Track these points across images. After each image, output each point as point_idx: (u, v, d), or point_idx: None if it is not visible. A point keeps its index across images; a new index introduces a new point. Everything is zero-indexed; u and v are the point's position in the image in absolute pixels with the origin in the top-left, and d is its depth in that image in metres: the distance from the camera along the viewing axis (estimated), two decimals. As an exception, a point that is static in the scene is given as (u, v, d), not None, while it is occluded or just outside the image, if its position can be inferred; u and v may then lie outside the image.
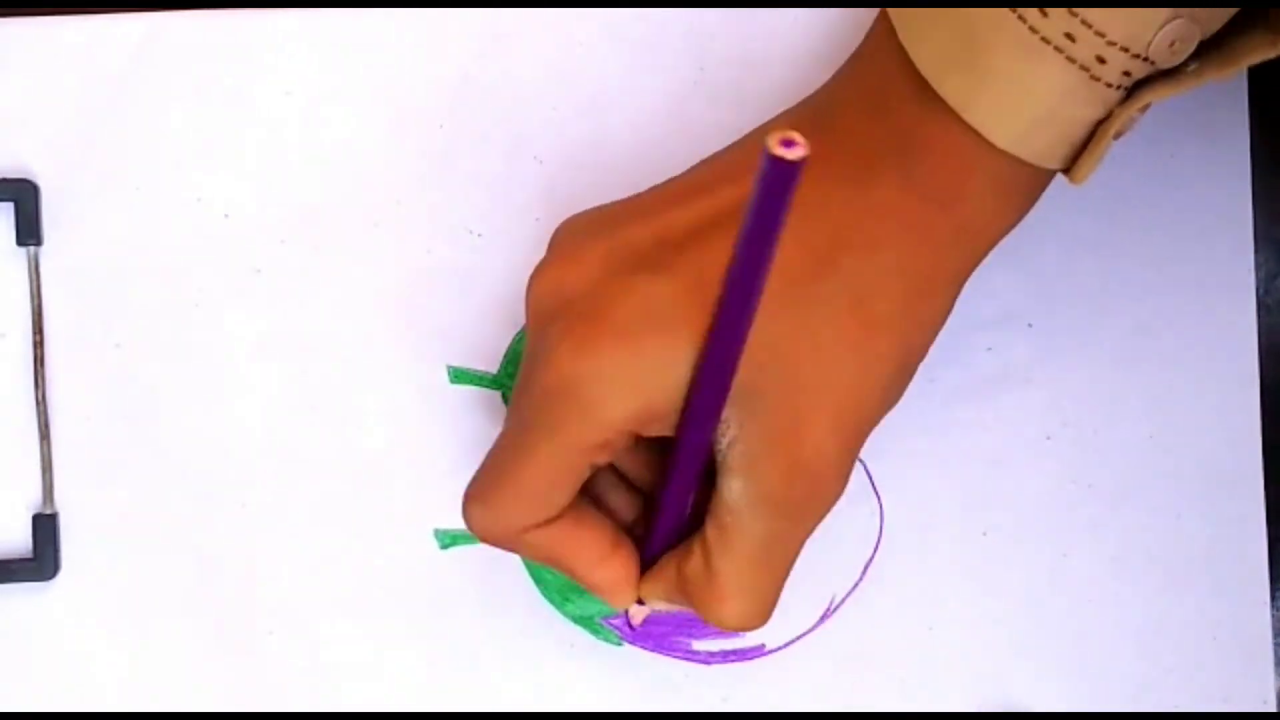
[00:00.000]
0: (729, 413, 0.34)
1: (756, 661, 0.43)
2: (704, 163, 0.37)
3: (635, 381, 0.33)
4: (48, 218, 0.42)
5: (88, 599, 0.42)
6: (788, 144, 0.25)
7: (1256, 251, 0.44)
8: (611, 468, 0.39)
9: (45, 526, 0.42)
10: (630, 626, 0.43)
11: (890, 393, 0.36)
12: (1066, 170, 0.35)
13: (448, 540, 0.43)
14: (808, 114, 0.37)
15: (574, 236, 0.36)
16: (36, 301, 0.42)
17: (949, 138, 0.34)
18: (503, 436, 0.36)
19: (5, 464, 0.42)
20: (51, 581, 0.42)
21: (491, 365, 0.43)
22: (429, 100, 0.43)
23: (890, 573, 0.44)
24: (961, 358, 0.44)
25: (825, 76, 0.38)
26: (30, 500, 0.42)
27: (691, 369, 0.33)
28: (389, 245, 0.43)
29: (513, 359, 0.43)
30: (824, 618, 0.44)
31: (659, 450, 0.38)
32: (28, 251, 0.42)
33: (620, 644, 0.43)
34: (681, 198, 0.36)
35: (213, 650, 0.43)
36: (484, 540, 0.37)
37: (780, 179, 0.26)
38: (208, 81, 0.43)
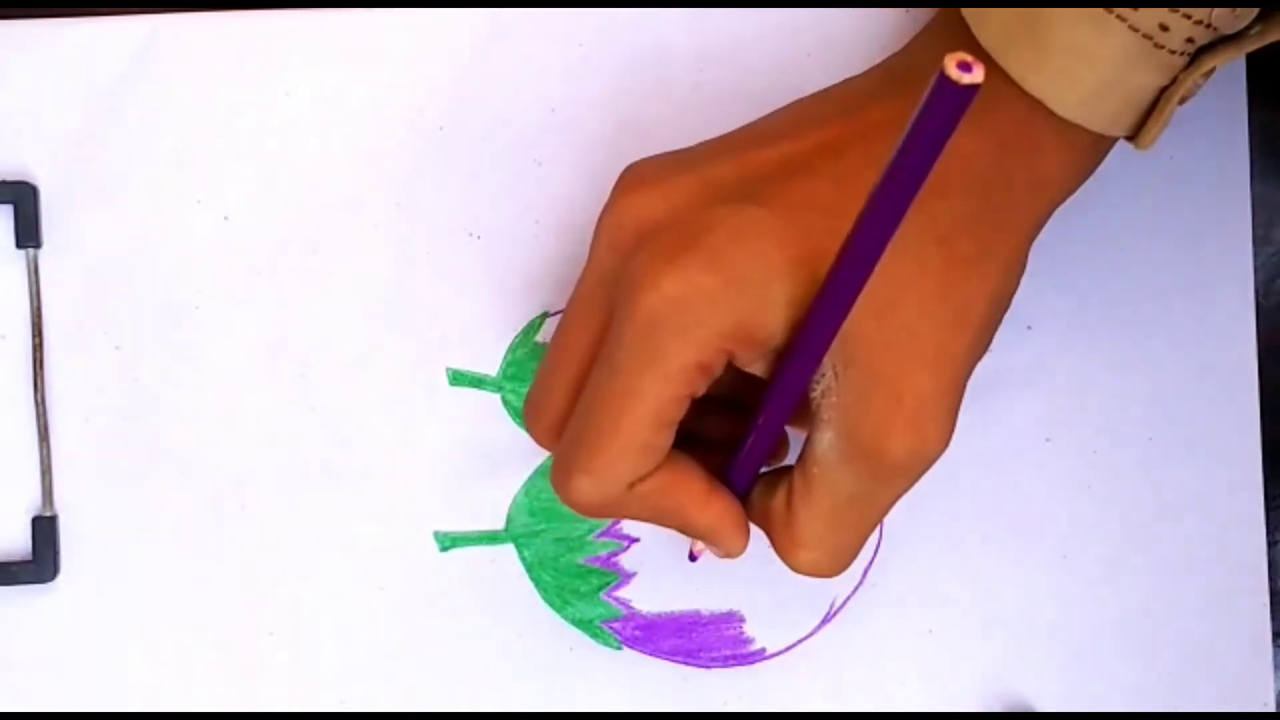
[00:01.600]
0: (825, 359, 0.33)
1: (757, 664, 0.43)
2: (782, 110, 0.37)
3: (731, 299, 0.33)
4: (47, 220, 0.42)
5: (87, 601, 0.42)
6: (965, 67, 0.24)
7: (1255, 253, 0.44)
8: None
9: (45, 529, 0.42)
10: (692, 558, 0.42)
11: (982, 338, 0.35)
12: (1132, 136, 0.35)
13: (448, 542, 0.43)
14: (879, 74, 0.37)
15: (654, 170, 0.35)
16: (36, 303, 0.42)
17: (1016, 102, 0.34)
18: (586, 399, 0.35)
19: (5, 466, 0.42)
20: (51, 584, 0.42)
21: (491, 367, 0.43)
22: (429, 101, 0.43)
23: (891, 575, 0.44)
24: (961, 359, 0.44)
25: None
26: (30, 502, 0.42)
27: (788, 297, 0.33)
28: (388, 247, 0.43)
29: (513, 361, 0.43)
30: (825, 621, 0.44)
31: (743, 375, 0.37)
32: (27, 254, 0.42)
33: (619, 647, 0.43)
34: (765, 140, 0.35)
35: (213, 651, 0.43)
36: (590, 513, 0.36)
37: (952, 103, 0.25)
38: (207, 83, 0.43)
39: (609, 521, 0.43)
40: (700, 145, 0.36)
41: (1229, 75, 0.44)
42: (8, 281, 0.43)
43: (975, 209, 0.34)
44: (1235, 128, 0.44)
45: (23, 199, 0.42)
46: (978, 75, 0.24)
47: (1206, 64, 0.33)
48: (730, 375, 0.35)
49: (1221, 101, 0.44)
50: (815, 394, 0.34)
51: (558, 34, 0.43)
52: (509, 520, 0.43)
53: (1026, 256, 0.36)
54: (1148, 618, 0.44)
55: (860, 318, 0.32)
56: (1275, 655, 0.44)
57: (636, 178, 0.35)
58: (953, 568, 0.44)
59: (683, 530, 0.37)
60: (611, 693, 0.43)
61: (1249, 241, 0.44)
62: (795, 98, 0.39)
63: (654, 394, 0.33)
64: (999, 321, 0.36)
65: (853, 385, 0.33)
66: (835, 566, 0.36)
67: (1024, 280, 0.44)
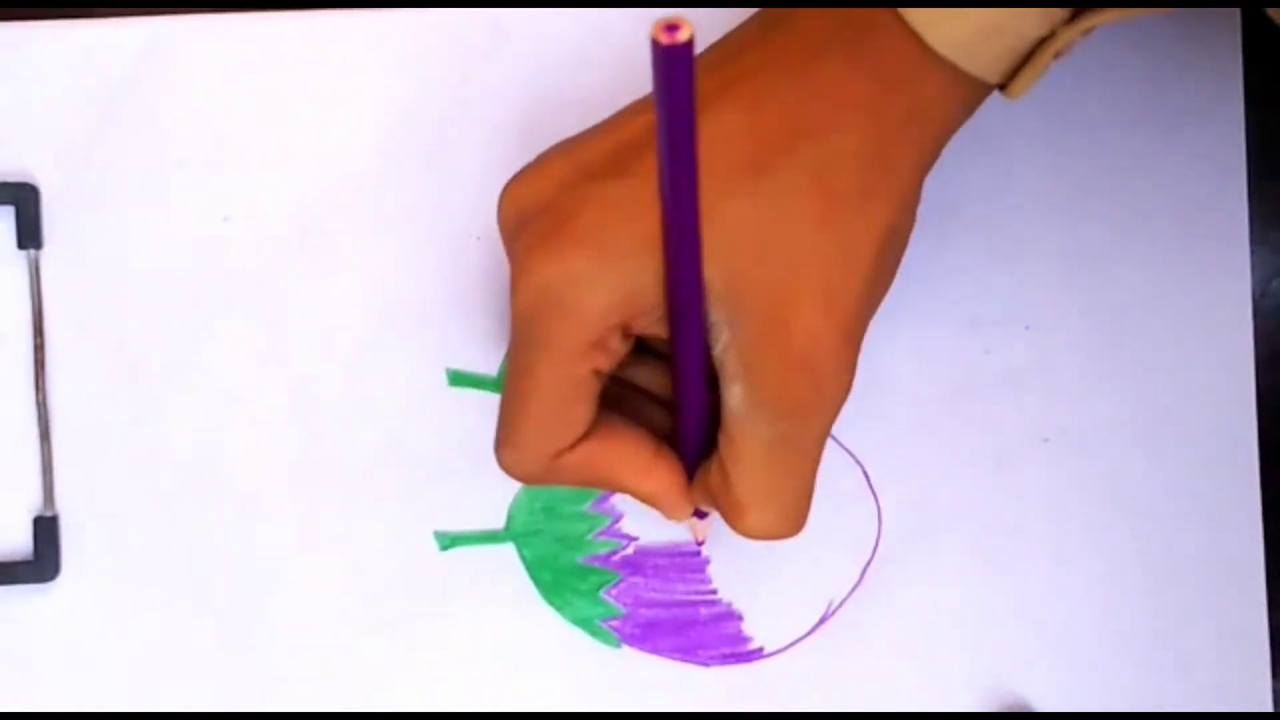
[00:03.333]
0: (716, 315, 0.34)
1: (755, 663, 0.43)
2: None
3: (608, 277, 0.33)
4: (48, 221, 0.42)
5: (88, 601, 0.42)
6: (671, 29, 0.26)
7: (1252, 254, 0.44)
8: (629, 387, 0.38)
9: (46, 528, 0.42)
10: (698, 542, 0.43)
11: (875, 275, 0.34)
12: (1003, 86, 0.35)
13: (447, 542, 0.43)
14: (754, 21, 0.37)
15: (535, 159, 0.36)
16: (37, 305, 0.42)
17: (895, 34, 0.34)
18: (506, 375, 0.36)
19: (6, 466, 0.42)
20: (52, 583, 0.42)
21: (491, 368, 0.43)
22: (429, 101, 0.43)
23: (888, 575, 0.44)
24: (959, 360, 0.44)
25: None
26: (31, 502, 0.43)
27: (660, 263, 0.33)
28: (389, 248, 0.43)
29: (512, 361, 0.43)
30: (822, 621, 0.44)
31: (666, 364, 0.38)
32: (28, 255, 0.42)
33: (619, 646, 0.43)
34: (636, 110, 0.36)
35: (213, 651, 0.43)
36: (525, 481, 0.37)
37: (672, 63, 0.27)
38: (208, 85, 0.43)
39: (609, 520, 0.43)
40: (588, 129, 0.37)
41: (1227, 75, 0.44)
42: (9, 282, 0.43)
43: (854, 145, 0.33)
44: (1233, 128, 0.44)
45: (24, 200, 0.42)
46: (684, 33, 0.26)
47: (1088, 21, 0.33)
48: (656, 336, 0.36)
49: (1219, 101, 0.44)
50: (718, 352, 0.34)
51: (558, 34, 0.43)
52: (509, 519, 0.43)
53: (918, 194, 0.35)
54: (1147, 618, 0.44)
55: (743, 265, 0.33)
56: (1273, 656, 0.44)
57: (522, 169, 0.36)
58: (952, 567, 0.44)
59: (627, 494, 0.37)
60: (611, 691, 0.43)
61: (1246, 243, 0.44)
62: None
63: (550, 375, 0.34)
64: (895, 261, 0.35)
65: (746, 333, 0.33)
66: (785, 522, 0.36)
67: (1021, 282, 0.44)
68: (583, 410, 0.35)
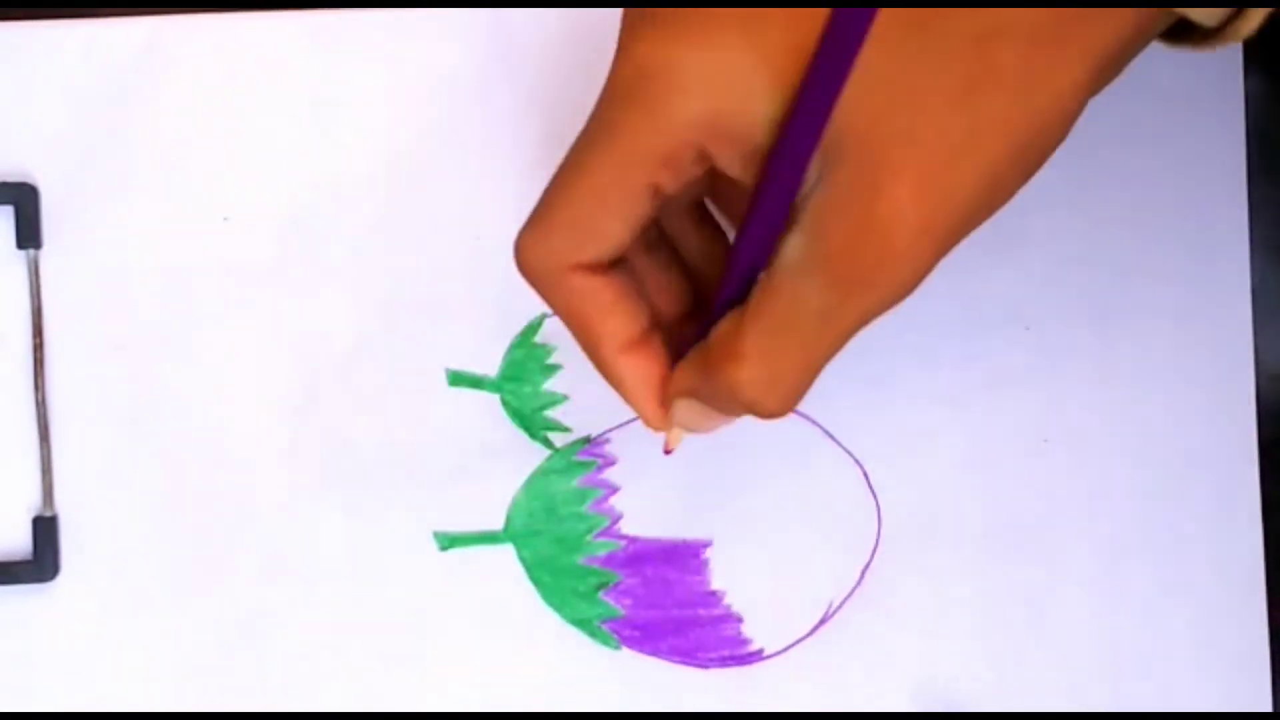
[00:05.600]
0: (811, 163, 0.30)
1: (755, 664, 0.43)
2: None
3: (711, 81, 0.30)
4: (48, 221, 0.42)
5: (87, 601, 0.42)
6: None
7: (1252, 255, 0.44)
8: (666, 246, 0.36)
9: (45, 528, 0.42)
10: (666, 451, 0.39)
11: (995, 180, 0.31)
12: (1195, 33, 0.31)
13: (447, 542, 0.43)
14: None
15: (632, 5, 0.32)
16: (36, 304, 0.42)
17: None
18: (564, 159, 0.32)
19: (5, 466, 0.42)
20: (51, 583, 0.42)
21: (490, 368, 0.43)
22: (429, 101, 0.43)
23: (888, 576, 0.44)
24: (959, 360, 0.44)
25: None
26: (30, 502, 0.42)
27: (774, 94, 0.30)
28: (388, 248, 0.43)
29: (512, 362, 0.43)
30: (822, 621, 0.44)
31: (722, 240, 0.35)
32: (28, 254, 0.42)
33: (618, 647, 0.43)
34: None
35: (212, 651, 0.43)
36: (528, 277, 0.33)
37: None
38: (208, 84, 0.43)
39: (608, 521, 0.43)
40: None
41: (1228, 74, 0.44)
42: (9, 282, 0.43)
43: (1028, 20, 0.29)
44: (1234, 127, 0.44)
45: (24, 200, 0.42)
46: None
47: None
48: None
49: (1220, 101, 0.44)
50: (796, 200, 0.31)
51: (558, 34, 0.43)
52: (508, 520, 0.43)
53: (1076, 113, 0.31)
54: (1147, 618, 0.44)
55: (863, 114, 0.29)
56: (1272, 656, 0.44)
57: None
58: (952, 568, 0.44)
59: (596, 366, 0.35)
60: (610, 693, 0.43)
61: (1246, 244, 0.44)
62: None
63: (602, 173, 0.31)
64: (1020, 178, 0.31)
65: (835, 185, 0.30)
66: (777, 390, 0.32)
67: (1021, 283, 0.44)
68: (617, 228, 0.32)
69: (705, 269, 0.36)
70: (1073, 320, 0.44)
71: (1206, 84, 0.44)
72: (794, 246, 0.31)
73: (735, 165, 0.31)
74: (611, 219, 0.32)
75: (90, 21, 0.43)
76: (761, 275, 0.32)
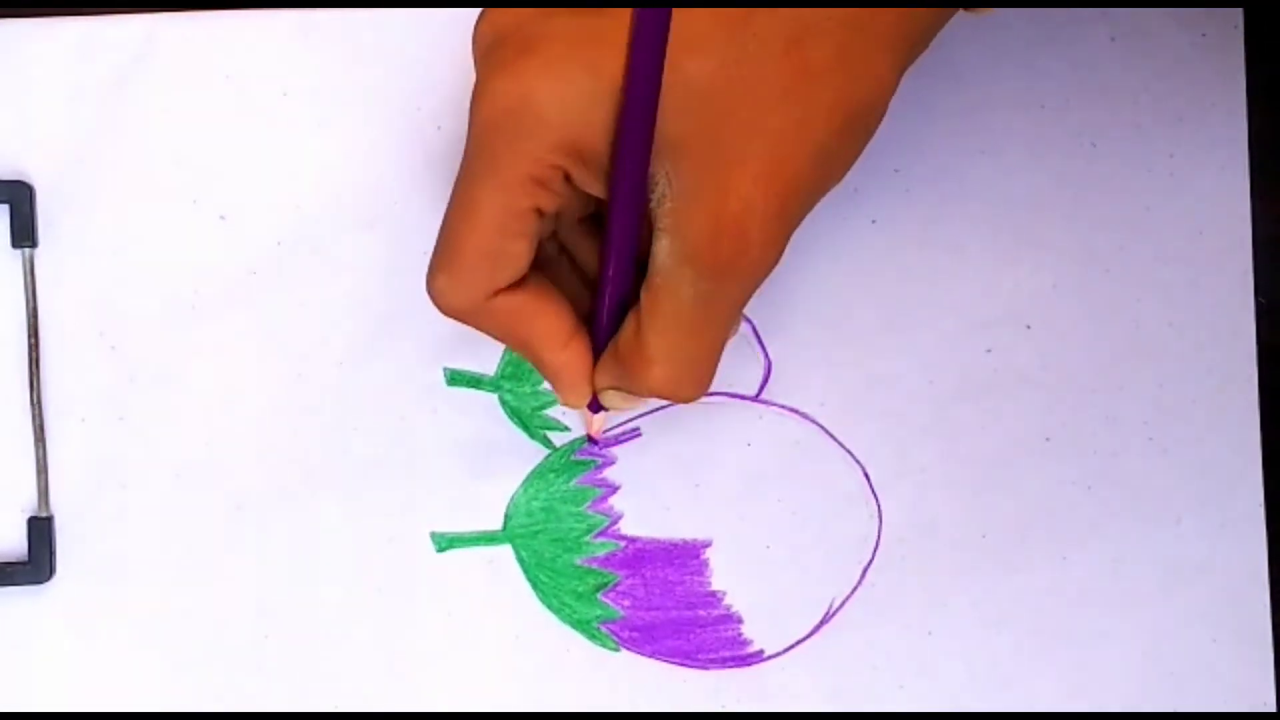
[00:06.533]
0: (657, 166, 0.34)
1: (755, 665, 0.43)
2: None
3: (562, 108, 0.33)
4: (43, 220, 0.42)
5: (83, 602, 0.42)
6: None
7: (1254, 253, 0.44)
8: (566, 257, 0.39)
9: (40, 529, 0.42)
10: (591, 440, 0.43)
11: (828, 158, 0.34)
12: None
13: (445, 543, 0.43)
14: None
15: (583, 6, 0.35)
16: (32, 304, 0.42)
17: None
18: (449, 204, 0.36)
19: (0, 467, 0.42)
20: (47, 584, 0.42)
21: (489, 367, 0.43)
22: (428, 100, 0.43)
23: (889, 576, 0.44)
24: (961, 359, 0.44)
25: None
26: (26, 503, 0.42)
27: (615, 112, 0.33)
28: (386, 247, 0.43)
29: (510, 361, 0.43)
30: (823, 622, 0.44)
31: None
32: (23, 254, 0.42)
33: (617, 649, 0.43)
34: None
35: (209, 653, 0.42)
36: (453, 314, 0.37)
37: None
38: (204, 83, 0.43)
39: (607, 522, 0.43)
40: None
41: (1229, 75, 0.44)
42: (4, 281, 0.42)
43: (836, 17, 0.33)
44: (1235, 127, 0.44)
45: (19, 199, 0.42)
46: None
47: None
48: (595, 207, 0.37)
49: (1221, 101, 0.44)
50: (653, 204, 0.34)
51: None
52: (506, 521, 0.43)
53: (892, 85, 0.34)
54: (1147, 618, 0.44)
55: (696, 120, 0.33)
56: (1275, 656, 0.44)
57: None
58: (952, 568, 0.44)
59: (534, 364, 0.38)
60: (609, 694, 0.43)
61: (1249, 242, 0.44)
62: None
63: (493, 202, 0.34)
64: (853, 150, 0.35)
65: (684, 187, 0.34)
66: (689, 380, 0.37)
67: (1023, 282, 0.44)
68: (521, 248, 0.35)
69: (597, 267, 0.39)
70: (1074, 319, 0.44)
71: (1209, 82, 0.44)
72: (662, 250, 0.35)
73: (594, 184, 0.35)
74: (513, 241, 0.35)
75: (86, 19, 0.43)
76: (644, 285, 0.36)
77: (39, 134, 0.42)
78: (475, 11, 0.43)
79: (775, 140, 0.33)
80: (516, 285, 0.36)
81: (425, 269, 0.43)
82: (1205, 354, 0.44)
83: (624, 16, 0.33)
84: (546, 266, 0.38)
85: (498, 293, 0.36)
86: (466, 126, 0.34)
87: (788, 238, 0.35)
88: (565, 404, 0.39)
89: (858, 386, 0.44)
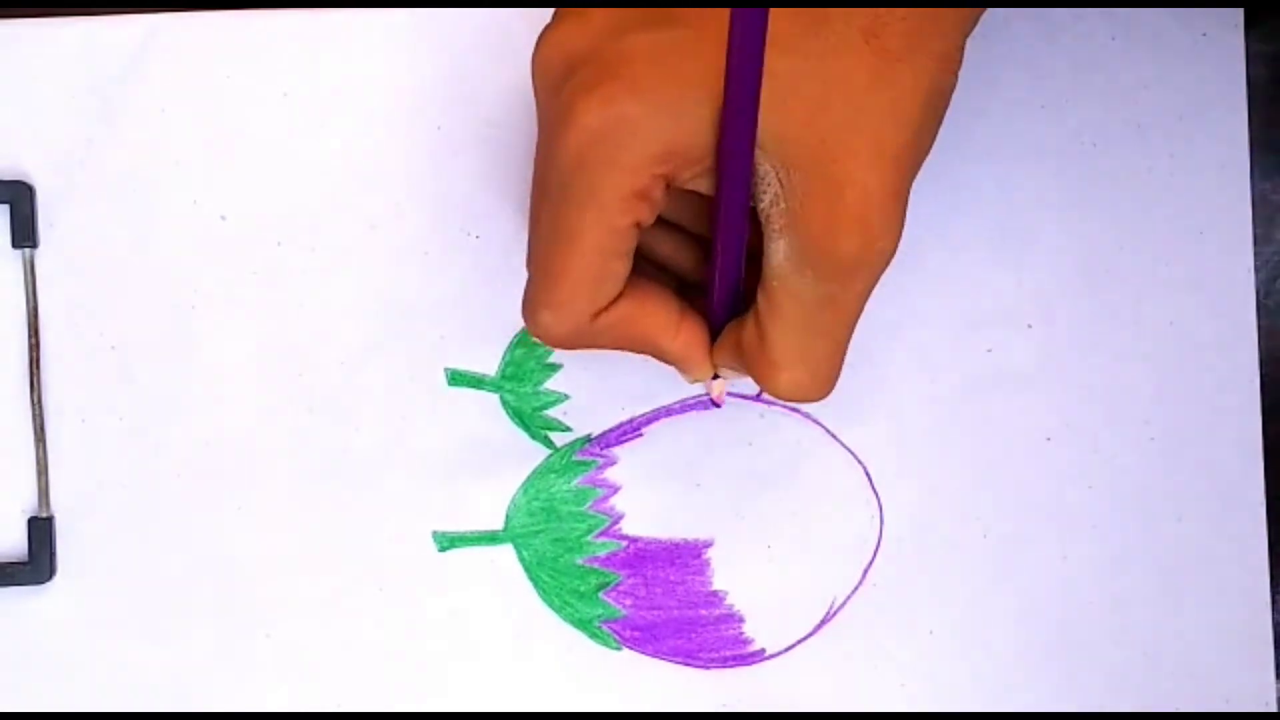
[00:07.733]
0: (766, 167, 0.34)
1: (757, 665, 0.43)
2: None
3: (655, 123, 0.33)
4: (43, 220, 0.42)
5: (84, 602, 0.42)
6: None
7: (1255, 253, 0.44)
8: (661, 219, 0.38)
9: (41, 529, 0.42)
10: (714, 404, 0.43)
11: (921, 131, 0.35)
12: None
13: (446, 542, 0.43)
14: None
15: (567, 10, 0.36)
16: (32, 304, 0.42)
17: None
18: (537, 236, 0.36)
19: (1, 467, 0.42)
20: (47, 585, 0.42)
21: (490, 367, 0.43)
22: (428, 100, 0.43)
23: (891, 575, 0.44)
24: (961, 359, 0.44)
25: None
26: (26, 503, 0.42)
27: (714, 112, 0.34)
28: (386, 247, 0.43)
29: (511, 361, 0.43)
30: (824, 621, 0.44)
31: (686, 237, 0.38)
32: (23, 254, 0.42)
33: (619, 648, 0.43)
34: None
35: (210, 653, 0.42)
36: (560, 344, 0.37)
37: None
38: (204, 83, 0.43)
39: (608, 521, 0.43)
40: None
41: (1229, 75, 0.44)
42: (4, 282, 0.42)
43: (902, 11, 0.34)
44: (1235, 127, 0.44)
45: (19, 199, 0.42)
46: None
47: None
48: (693, 203, 0.37)
49: (1221, 101, 0.44)
50: (764, 205, 0.35)
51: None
52: (508, 520, 0.43)
53: (962, 52, 0.36)
54: (1148, 618, 0.44)
55: (796, 119, 0.33)
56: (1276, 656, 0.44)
57: (556, 17, 0.36)
58: (953, 567, 0.44)
59: (655, 356, 0.38)
60: (610, 693, 0.43)
61: (1249, 241, 0.44)
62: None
63: (595, 228, 0.34)
64: (938, 119, 0.36)
65: (797, 188, 0.34)
66: (817, 383, 0.37)
67: (1024, 281, 0.44)
68: (622, 266, 0.36)
69: (675, 258, 0.40)
70: (1075, 318, 0.44)
71: (1209, 81, 0.44)
72: (778, 252, 0.35)
73: (698, 181, 0.35)
74: (615, 260, 0.35)
75: (86, 19, 0.42)
76: (759, 286, 0.36)
77: (39, 134, 0.42)
78: (475, 11, 0.43)
79: (875, 126, 0.34)
80: (618, 296, 0.36)
81: (427, 269, 0.43)
82: (1205, 354, 0.44)
83: (699, 27, 0.33)
84: (643, 244, 0.38)
85: (600, 311, 0.36)
86: (540, 158, 0.35)
87: (903, 221, 0.35)
88: (691, 381, 0.39)
89: (860, 386, 0.44)
